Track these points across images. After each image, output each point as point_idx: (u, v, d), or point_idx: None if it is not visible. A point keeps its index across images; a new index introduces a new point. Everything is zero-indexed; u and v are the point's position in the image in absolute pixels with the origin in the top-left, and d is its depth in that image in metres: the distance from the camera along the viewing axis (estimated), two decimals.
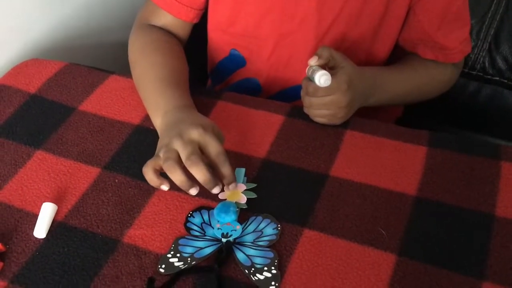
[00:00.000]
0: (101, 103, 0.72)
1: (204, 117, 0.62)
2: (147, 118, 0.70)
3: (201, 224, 0.57)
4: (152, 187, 0.61)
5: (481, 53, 0.90)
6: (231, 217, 0.55)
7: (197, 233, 0.56)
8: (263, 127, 0.68)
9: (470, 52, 0.77)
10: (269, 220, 0.56)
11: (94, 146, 0.67)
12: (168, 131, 0.59)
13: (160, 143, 0.59)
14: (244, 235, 0.55)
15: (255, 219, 0.57)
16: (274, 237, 0.55)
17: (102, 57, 1.02)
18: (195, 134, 0.56)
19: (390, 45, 0.75)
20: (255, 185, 0.60)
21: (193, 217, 0.58)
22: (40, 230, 0.56)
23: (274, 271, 0.51)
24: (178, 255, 0.54)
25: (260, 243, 0.54)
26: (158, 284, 0.52)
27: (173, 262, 0.53)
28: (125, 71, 0.79)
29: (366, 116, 0.69)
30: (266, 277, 0.51)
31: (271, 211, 0.57)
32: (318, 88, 0.62)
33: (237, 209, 0.57)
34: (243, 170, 0.61)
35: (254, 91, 0.78)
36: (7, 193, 0.62)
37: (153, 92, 0.66)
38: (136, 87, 0.71)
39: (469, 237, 0.54)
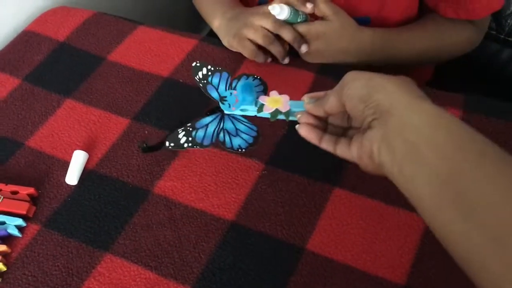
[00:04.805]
0: (130, 54, 0.72)
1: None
2: (176, 70, 0.69)
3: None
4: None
5: None
6: (249, 104, 0.53)
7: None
8: (294, 84, 0.67)
9: (497, 9, 0.71)
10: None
11: (124, 97, 0.66)
12: (232, 24, 0.68)
13: (225, 35, 0.69)
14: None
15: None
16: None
17: (128, 7, 1.01)
18: (261, 21, 0.64)
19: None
20: (303, 110, 0.50)
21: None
22: (72, 177, 0.57)
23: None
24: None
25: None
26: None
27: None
28: (152, 21, 0.78)
29: None
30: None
31: (300, 167, 0.57)
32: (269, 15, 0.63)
33: (273, 113, 0.51)
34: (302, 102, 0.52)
35: None
36: (38, 139, 0.62)
37: (209, 1, 0.75)
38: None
39: None
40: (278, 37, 0.65)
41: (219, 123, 0.55)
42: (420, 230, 0.52)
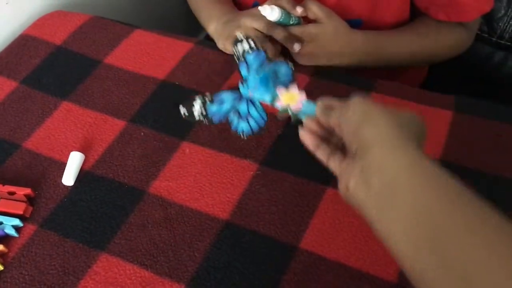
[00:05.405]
0: (126, 57, 0.73)
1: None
2: (172, 73, 0.70)
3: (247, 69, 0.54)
4: (176, 141, 0.62)
5: (510, 22, 0.87)
6: (267, 93, 0.52)
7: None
8: None
9: (487, 11, 0.72)
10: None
11: (120, 99, 0.67)
12: (226, 27, 0.69)
13: (220, 38, 0.70)
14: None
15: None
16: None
17: (126, 12, 1.02)
18: (254, 23, 0.64)
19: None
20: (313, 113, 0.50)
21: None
22: (68, 178, 0.58)
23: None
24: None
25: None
26: None
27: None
28: (150, 26, 0.79)
29: (387, 79, 0.69)
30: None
31: (293, 168, 0.58)
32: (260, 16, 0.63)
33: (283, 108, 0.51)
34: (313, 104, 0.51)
35: None
36: (35, 141, 0.63)
37: (205, 6, 0.76)
38: (189, 2, 0.82)
39: (492, 200, 0.54)
40: (271, 40, 0.66)
41: (235, 102, 0.54)
42: None
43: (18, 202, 0.55)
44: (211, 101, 0.54)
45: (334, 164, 0.47)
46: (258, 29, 0.65)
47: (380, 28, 0.73)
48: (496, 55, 0.92)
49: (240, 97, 0.54)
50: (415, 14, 0.76)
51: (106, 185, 0.58)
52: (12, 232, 0.54)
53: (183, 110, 0.54)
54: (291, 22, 0.65)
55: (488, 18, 0.88)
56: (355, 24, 0.71)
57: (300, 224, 0.53)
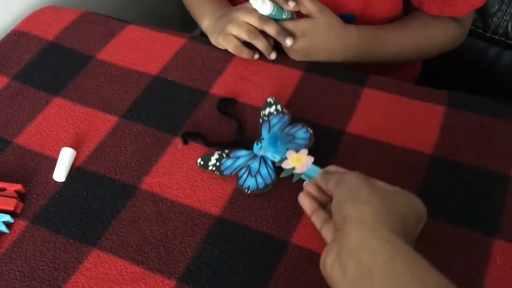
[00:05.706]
0: (118, 52, 0.72)
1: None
2: (165, 69, 0.70)
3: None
4: (169, 137, 0.61)
5: (504, 17, 0.88)
6: (276, 153, 0.56)
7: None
8: (281, 82, 0.68)
9: (480, 5, 0.72)
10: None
11: (112, 95, 0.67)
12: (219, 22, 0.69)
13: (212, 33, 0.70)
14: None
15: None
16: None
17: (120, 9, 1.01)
18: (246, 17, 0.64)
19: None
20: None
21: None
22: (60, 174, 0.57)
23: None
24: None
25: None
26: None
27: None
28: (141, 21, 0.78)
29: (381, 75, 0.69)
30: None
31: None
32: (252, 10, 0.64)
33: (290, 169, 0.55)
34: (318, 168, 0.55)
35: None
36: (26, 137, 0.63)
37: (198, 3, 0.76)
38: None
39: (483, 196, 0.54)
40: (263, 35, 0.66)
41: (248, 159, 0.57)
42: None
43: (9, 198, 0.55)
44: (228, 156, 0.57)
45: (326, 231, 0.47)
46: (250, 23, 0.65)
47: (373, 22, 0.72)
48: (490, 51, 0.92)
49: (255, 155, 0.57)
50: (408, 9, 0.76)
51: (97, 181, 0.58)
52: (2, 228, 0.53)
53: (199, 160, 0.57)
54: (283, 17, 0.65)
55: (482, 13, 0.88)
56: (348, 18, 0.70)
57: (291, 219, 0.53)
